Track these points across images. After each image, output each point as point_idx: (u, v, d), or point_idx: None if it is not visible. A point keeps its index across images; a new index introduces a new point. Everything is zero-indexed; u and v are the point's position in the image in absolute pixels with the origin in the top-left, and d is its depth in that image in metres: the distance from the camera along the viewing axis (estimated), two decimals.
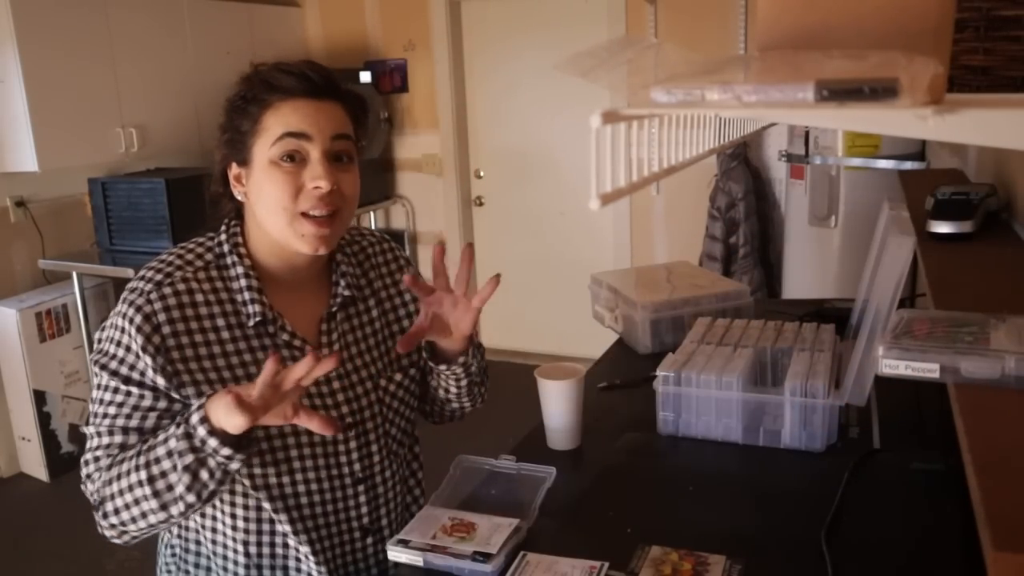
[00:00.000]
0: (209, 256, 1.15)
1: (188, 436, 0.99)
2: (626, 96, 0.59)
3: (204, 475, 1.00)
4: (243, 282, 1.13)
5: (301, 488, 1.15)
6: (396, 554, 1.10)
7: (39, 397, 3.57)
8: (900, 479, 1.22)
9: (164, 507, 1.03)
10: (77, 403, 3.75)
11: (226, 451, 0.98)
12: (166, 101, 3.99)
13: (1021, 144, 0.47)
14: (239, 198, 1.15)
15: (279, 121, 1.08)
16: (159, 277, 1.11)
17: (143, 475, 1.02)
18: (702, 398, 1.38)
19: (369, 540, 1.22)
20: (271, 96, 1.09)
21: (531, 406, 1.44)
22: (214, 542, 1.16)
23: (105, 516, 1.08)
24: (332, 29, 4.82)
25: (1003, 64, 0.85)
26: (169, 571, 1.22)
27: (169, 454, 1.01)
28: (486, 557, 1.06)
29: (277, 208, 1.09)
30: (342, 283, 1.21)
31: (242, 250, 1.15)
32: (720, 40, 3.88)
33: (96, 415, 1.10)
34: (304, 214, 1.09)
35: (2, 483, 3.65)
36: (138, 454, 1.05)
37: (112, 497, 1.05)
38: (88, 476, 1.11)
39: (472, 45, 4.61)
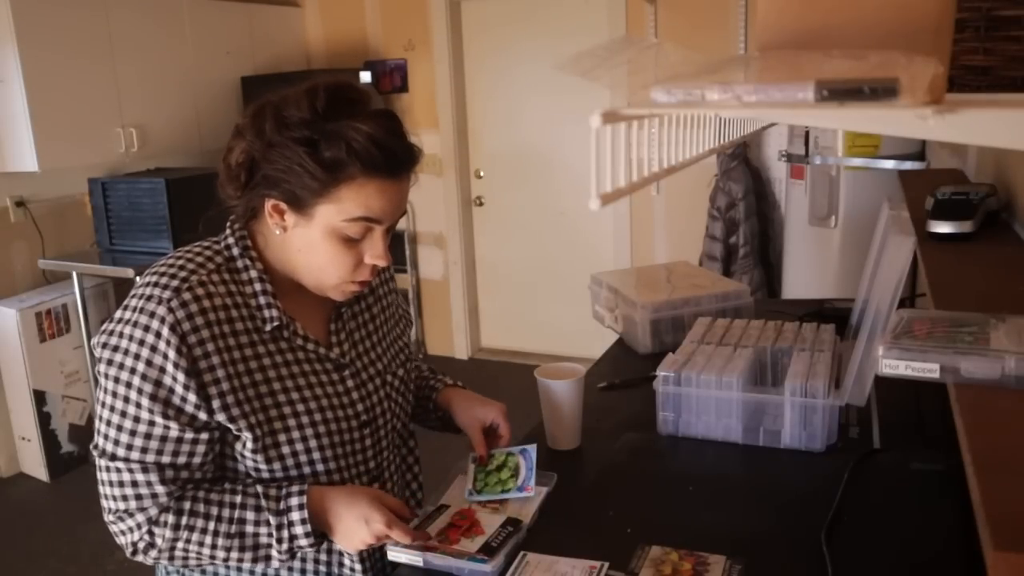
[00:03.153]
0: (219, 259, 1.11)
1: (291, 551, 1.07)
2: (626, 96, 0.59)
3: (290, 558, 1.09)
4: (258, 286, 1.11)
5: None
6: (396, 554, 1.10)
7: (39, 397, 3.58)
8: (900, 479, 1.22)
9: (236, 568, 1.13)
10: (77, 403, 3.75)
11: (312, 552, 1.12)
12: (166, 101, 3.99)
13: (1021, 144, 0.47)
14: (275, 230, 1.09)
15: (358, 201, 1.04)
16: (175, 283, 1.04)
17: (220, 553, 1.07)
18: (702, 398, 1.38)
19: None
20: (352, 166, 1.01)
21: (531, 406, 1.44)
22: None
23: (157, 559, 1.09)
24: (332, 29, 4.82)
25: (1003, 64, 0.85)
26: None
27: (256, 536, 1.07)
28: (486, 557, 1.06)
29: (331, 274, 1.09)
30: None
31: (253, 254, 1.12)
32: (720, 40, 3.88)
33: (118, 444, 1.04)
34: (351, 280, 1.11)
35: (2, 483, 3.66)
36: (215, 532, 1.06)
37: (172, 550, 1.07)
38: (125, 519, 1.06)
39: (472, 45, 4.61)
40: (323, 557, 1.16)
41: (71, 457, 3.71)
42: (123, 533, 1.07)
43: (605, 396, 1.63)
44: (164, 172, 3.80)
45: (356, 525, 1.07)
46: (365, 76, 4.59)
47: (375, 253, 1.09)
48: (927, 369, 0.82)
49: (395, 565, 1.11)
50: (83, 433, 3.76)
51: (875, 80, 0.48)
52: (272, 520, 1.06)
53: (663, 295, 1.85)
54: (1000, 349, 0.81)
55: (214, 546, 1.06)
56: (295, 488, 1.08)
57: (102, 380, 1.06)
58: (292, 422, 1.10)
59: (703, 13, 3.90)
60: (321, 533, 1.09)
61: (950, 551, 1.03)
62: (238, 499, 1.07)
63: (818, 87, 0.49)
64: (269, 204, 1.07)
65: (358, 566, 1.16)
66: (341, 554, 1.16)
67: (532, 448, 1.25)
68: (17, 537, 3.20)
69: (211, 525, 1.06)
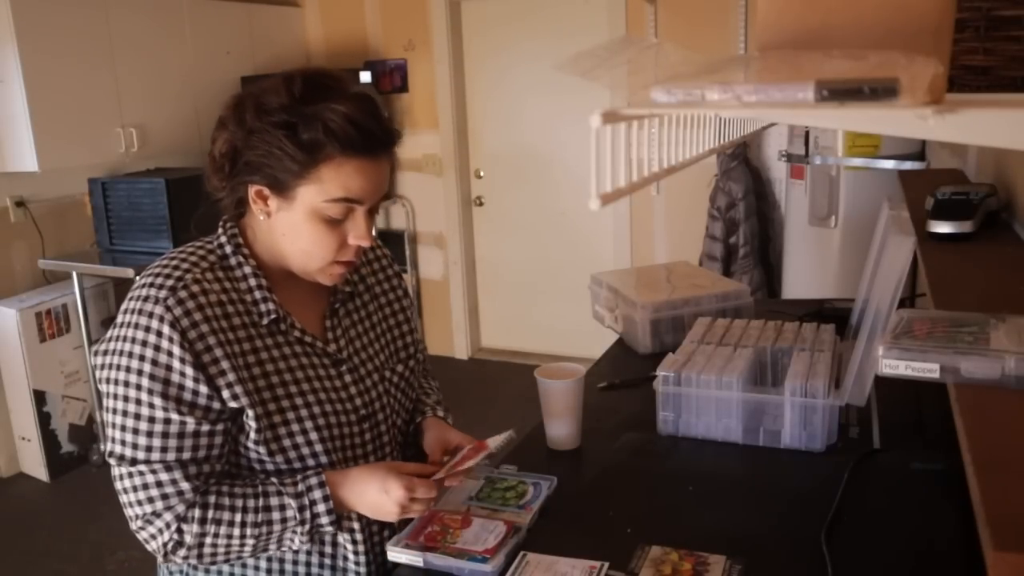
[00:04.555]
0: (212, 258, 1.13)
1: (310, 532, 1.09)
2: (626, 96, 0.59)
3: (309, 540, 1.11)
4: (252, 281, 1.12)
5: None
6: (396, 554, 1.10)
7: (39, 397, 3.58)
8: (900, 479, 1.22)
9: (258, 556, 1.12)
10: (77, 403, 3.75)
11: (333, 530, 1.11)
12: (166, 101, 3.99)
13: (1021, 144, 0.47)
14: (259, 216, 1.11)
15: (338, 182, 1.05)
16: (171, 282, 1.06)
17: (250, 542, 1.08)
18: (702, 398, 1.38)
19: (386, 533, 1.23)
20: (330, 146, 1.03)
21: (531, 406, 1.44)
22: None
23: (186, 558, 1.08)
24: (332, 29, 4.82)
25: (1003, 64, 0.85)
26: None
27: (283, 532, 1.09)
28: (486, 557, 1.06)
29: (315, 256, 1.10)
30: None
31: (245, 251, 1.14)
32: (720, 40, 3.88)
33: (137, 447, 1.04)
34: (337, 261, 1.12)
35: (2, 483, 3.65)
36: (242, 523, 1.06)
37: (201, 546, 1.07)
38: (153, 521, 1.06)
39: (472, 45, 4.61)
40: (328, 550, 1.16)
41: (71, 457, 3.71)
42: (153, 537, 1.06)
43: (605, 396, 1.63)
44: (164, 172, 3.80)
45: (379, 499, 1.09)
46: (365, 76, 4.59)
47: (358, 233, 1.10)
48: (927, 369, 0.82)
49: (395, 565, 1.11)
50: (83, 433, 3.76)
51: (875, 80, 0.48)
52: (293, 503, 1.07)
53: (663, 295, 1.85)
54: (1000, 349, 0.81)
55: (243, 536, 1.06)
56: (311, 472, 1.10)
57: (108, 387, 1.06)
58: (291, 415, 1.11)
59: (703, 13, 3.90)
60: (339, 515, 1.11)
61: (950, 551, 1.03)
62: (259, 488, 1.09)
63: (818, 87, 0.49)
64: (252, 190, 1.09)
65: (362, 558, 1.17)
66: (345, 547, 1.16)
67: (547, 483, 1.25)
68: (17, 537, 3.20)
69: (238, 516, 1.06)
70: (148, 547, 1.08)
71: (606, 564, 1.04)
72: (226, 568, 1.16)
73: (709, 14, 3.89)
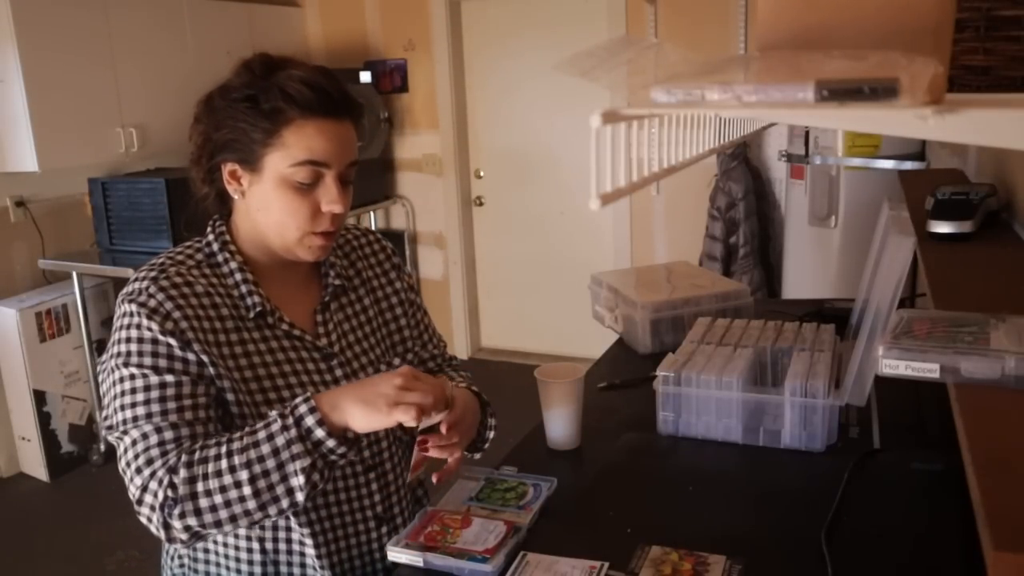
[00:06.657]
0: (199, 256, 1.16)
1: (302, 439, 0.99)
2: (626, 96, 0.59)
3: (316, 476, 1.00)
4: (238, 276, 1.15)
5: None
6: (396, 554, 1.10)
7: (39, 397, 3.57)
8: (900, 479, 1.22)
9: (263, 507, 1.00)
10: (77, 403, 3.75)
11: (342, 450, 1.01)
12: (166, 101, 3.98)
13: (1021, 144, 0.47)
14: (234, 196, 1.14)
15: (301, 143, 1.08)
16: (153, 274, 1.10)
17: (243, 475, 0.98)
18: (702, 398, 1.38)
19: (384, 529, 1.23)
20: (290, 110, 1.07)
21: (531, 406, 1.44)
22: (226, 544, 1.15)
23: (182, 516, 0.99)
24: (332, 29, 4.82)
25: (1003, 64, 0.85)
26: None
27: (275, 452, 0.99)
28: (486, 557, 1.06)
29: (290, 227, 1.12)
30: (331, 273, 1.24)
31: (232, 247, 1.16)
32: (720, 40, 3.88)
33: (137, 419, 1.03)
34: (313, 231, 1.13)
35: (2, 483, 3.65)
36: (228, 452, 0.99)
37: (195, 496, 0.98)
38: (149, 484, 1.00)
39: (472, 45, 4.61)
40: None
41: (71, 457, 3.71)
42: (152, 508, 1.00)
43: (605, 396, 1.63)
44: (164, 172, 3.80)
45: (374, 379, 1.03)
46: (365, 76, 4.59)
47: (330, 199, 1.12)
48: (927, 369, 0.82)
49: (395, 565, 1.11)
50: (83, 433, 3.76)
51: (875, 80, 0.48)
52: (275, 411, 1.01)
53: (663, 295, 1.85)
54: (1000, 349, 0.81)
55: (232, 468, 0.98)
56: None
57: (108, 378, 1.07)
58: (278, 409, 1.10)
59: (703, 13, 3.90)
60: (347, 440, 1.02)
61: (950, 551, 1.03)
62: (254, 433, 1.02)
63: (818, 87, 0.49)
64: (226, 171, 1.12)
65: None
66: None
67: (547, 484, 1.24)
68: (17, 537, 3.20)
69: (224, 448, 1.00)
70: (151, 526, 1.01)
71: (606, 564, 1.04)
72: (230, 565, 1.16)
73: (709, 14, 3.89)
